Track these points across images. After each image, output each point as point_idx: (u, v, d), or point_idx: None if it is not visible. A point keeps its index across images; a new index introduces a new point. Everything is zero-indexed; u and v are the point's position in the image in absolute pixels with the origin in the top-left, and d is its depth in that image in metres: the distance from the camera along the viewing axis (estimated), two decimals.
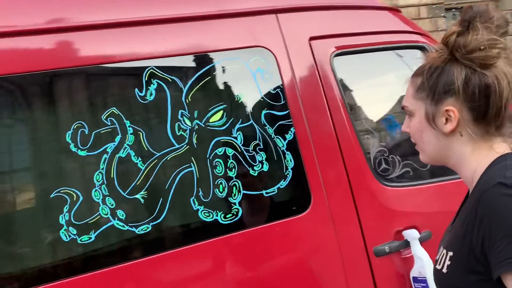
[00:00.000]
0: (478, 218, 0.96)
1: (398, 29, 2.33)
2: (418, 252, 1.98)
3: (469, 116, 1.06)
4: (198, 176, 1.78)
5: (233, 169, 1.84)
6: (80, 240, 1.59)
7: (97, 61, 1.74)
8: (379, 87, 2.20)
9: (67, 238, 1.57)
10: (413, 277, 2.01)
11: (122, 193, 1.67)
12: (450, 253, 1.04)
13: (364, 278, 1.97)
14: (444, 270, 1.05)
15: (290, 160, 1.94)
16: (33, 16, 1.69)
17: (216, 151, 1.84)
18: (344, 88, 2.16)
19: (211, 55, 1.91)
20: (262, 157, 1.90)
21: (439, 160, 1.15)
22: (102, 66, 1.75)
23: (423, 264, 1.96)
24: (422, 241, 2.05)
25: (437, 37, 2.06)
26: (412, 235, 2.01)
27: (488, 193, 0.95)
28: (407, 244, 2.02)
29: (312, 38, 2.11)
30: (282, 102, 1.98)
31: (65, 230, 1.57)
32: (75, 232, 1.59)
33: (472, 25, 1.03)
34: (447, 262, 1.05)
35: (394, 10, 2.42)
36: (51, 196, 1.58)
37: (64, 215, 1.58)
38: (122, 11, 1.82)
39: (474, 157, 1.08)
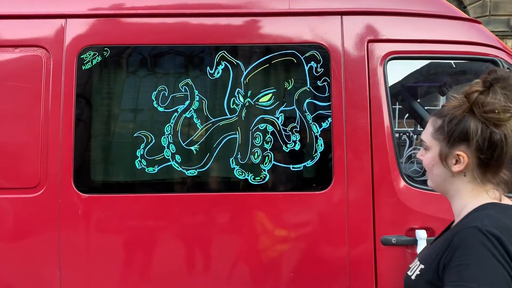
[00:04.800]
0: (450, 246, 1.19)
1: (469, 40, 2.34)
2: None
3: (475, 162, 1.23)
4: (240, 142, 2.27)
5: (269, 143, 2.27)
6: (147, 170, 2.24)
7: (184, 42, 2.30)
8: (428, 93, 2.31)
9: (139, 167, 2.24)
10: None
11: (182, 143, 2.26)
12: (422, 266, 1.29)
13: (366, 260, 2.25)
14: (413, 277, 1.31)
15: (321, 145, 2.27)
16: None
17: (259, 125, 2.28)
18: (392, 91, 2.33)
19: (273, 46, 2.31)
20: (296, 138, 2.28)
21: (440, 190, 1.36)
22: (187, 46, 2.31)
23: None
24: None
25: None
26: (420, 235, 2.19)
27: (465, 231, 1.15)
28: (415, 242, 2.21)
29: (370, 41, 2.32)
30: (326, 95, 2.29)
31: (139, 160, 2.24)
32: (145, 163, 2.25)
33: (493, 88, 1.18)
34: (417, 272, 1.30)
35: (473, 21, 2.41)
36: (135, 135, 2.26)
37: (140, 150, 2.25)
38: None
39: (468, 196, 1.28)
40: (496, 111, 1.17)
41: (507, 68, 2.33)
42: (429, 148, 1.32)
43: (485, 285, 1.06)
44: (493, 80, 1.19)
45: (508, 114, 1.17)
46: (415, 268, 1.30)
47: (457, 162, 1.25)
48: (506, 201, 1.25)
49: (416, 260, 1.35)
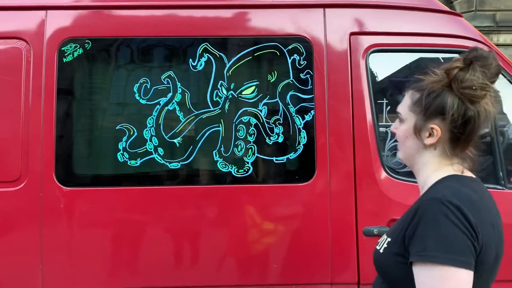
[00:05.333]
0: (414, 219, 1.22)
1: (451, 33, 2.36)
2: None
3: (447, 136, 1.27)
4: (223, 135, 2.27)
5: (253, 135, 2.28)
6: (129, 163, 2.23)
7: (167, 34, 2.29)
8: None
9: (121, 159, 2.23)
10: None
11: (164, 136, 2.26)
12: (389, 239, 1.33)
13: (349, 251, 2.27)
14: (381, 251, 1.35)
15: (304, 137, 2.28)
16: None
17: (242, 118, 2.28)
18: (375, 83, 2.35)
19: (256, 39, 2.30)
20: (280, 130, 2.28)
21: (409, 162, 1.40)
22: (169, 38, 2.30)
23: None
24: None
25: None
26: None
27: (427, 203, 1.19)
28: None
29: (353, 34, 2.33)
30: (309, 87, 2.30)
31: (121, 153, 2.23)
32: (127, 156, 2.24)
33: (472, 66, 1.22)
34: (385, 245, 1.34)
35: (454, 14, 2.43)
36: (117, 128, 2.24)
37: (122, 143, 2.24)
38: None
39: (433, 168, 1.33)
40: (474, 88, 1.20)
41: None
42: (404, 120, 1.35)
43: (448, 253, 1.11)
44: (474, 58, 1.22)
45: (483, 92, 1.22)
46: (383, 242, 1.34)
47: (430, 135, 1.28)
48: (467, 173, 1.29)
49: (384, 235, 1.39)
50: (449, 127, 1.25)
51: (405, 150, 1.37)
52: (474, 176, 1.31)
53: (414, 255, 1.16)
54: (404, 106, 1.35)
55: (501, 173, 2.31)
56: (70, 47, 2.26)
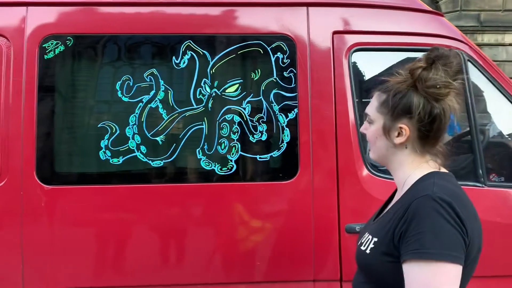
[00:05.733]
0: (404, 217, 1.23)
1: (432, 32, 2.39)
2: None
3: (416, 135, 1.30)
4: (206, 133, 2.27)
5: (236, 133, 2.28)
6: (112, 161, 2.22)
7: (150, 31, 2.28)
8: None
9: (103, 157, 2.22)
10: None
11: (147, 134, 2.24)
12: (375, 239, 1.32)
13: (331, 248, 2.28)
14: (367, 251, 1.34)
15: (287, 135, 2.29)
16: None
17: (226, 116, 2.28)
18: (357, 81, 2.36)
19: (239, 36, 2.30)
20: (263, 128, 2.29)
21: (382, 161, 1.43)
22: (152, 35, 2.29)
23: None
24: None
25: None
26: None
27: (417, 201, 1.20)
28: None
29: (335, 32, 2.35)
30: (292, 86, 2.31)
31: (103, 151, 2.22)
32: (109, 154, 2.22)
33: (435, 65, 1.25)
34: (371, 245, 1.33)
35: (436, 14, 2.46)
36: (99, 125, 2.23)
37: (105, 141, 2.22)
38: None
39: (410, 167, 1.35)
40: (438, 86, 1.24)
41: (468, 61, 2.39)
42: (373, 121, 1.37)
43: (443, 249, 1.13)
44: (435, 57, 1.26)
45: (447, 90, 1.25)
46: (368, 242, 1.34)
47: (399, 134, 1.31)
48: (443, 170, 1.33)
49: (367, 234, 1.38)
50: (417, 125, 1.28)
51: (376, 150, 1.39)
52: (448, 171, 1.34)
53: (409, 253, 1.16)
54: (372, 108, 1.37)
55: (480, 171, 2.35)
56: (51, 44, 2.24)
